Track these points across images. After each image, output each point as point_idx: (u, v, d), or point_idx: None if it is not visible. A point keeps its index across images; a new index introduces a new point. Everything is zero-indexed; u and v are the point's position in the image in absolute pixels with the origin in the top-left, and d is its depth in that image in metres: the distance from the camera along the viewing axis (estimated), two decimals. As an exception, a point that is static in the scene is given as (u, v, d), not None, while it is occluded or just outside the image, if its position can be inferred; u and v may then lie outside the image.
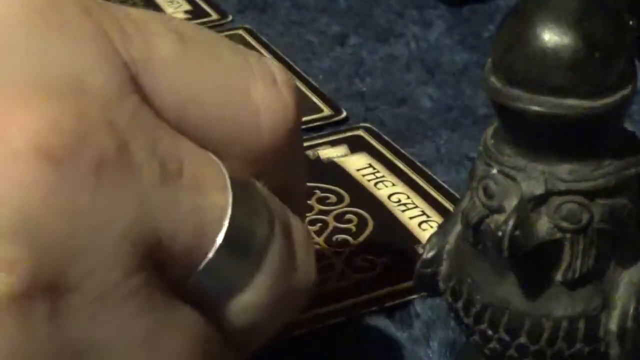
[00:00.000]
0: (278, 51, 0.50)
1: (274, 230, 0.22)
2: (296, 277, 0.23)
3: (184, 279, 0.21)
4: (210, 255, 0.21)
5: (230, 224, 0.21)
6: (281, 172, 0.24)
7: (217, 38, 0.25)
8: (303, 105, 0.44)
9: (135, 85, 0.21)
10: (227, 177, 0.22)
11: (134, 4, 0.57)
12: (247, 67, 0.24)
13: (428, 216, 0.36)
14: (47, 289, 0.19)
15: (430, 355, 0.30)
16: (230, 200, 0.21)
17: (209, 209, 0.21)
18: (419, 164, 0.40)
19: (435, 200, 0.37)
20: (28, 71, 0.20)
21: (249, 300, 0.22)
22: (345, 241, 0.35)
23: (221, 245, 0.21)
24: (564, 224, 0.23)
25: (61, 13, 0.21)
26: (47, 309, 0.19)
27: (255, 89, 0.23)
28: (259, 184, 0.23)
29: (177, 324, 0.21)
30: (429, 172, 0.39)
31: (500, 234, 0.22)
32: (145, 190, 0.20)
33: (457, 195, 0.37)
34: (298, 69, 0.48)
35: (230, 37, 0.52)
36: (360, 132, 0.42)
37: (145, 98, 0.21)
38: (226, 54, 0.24)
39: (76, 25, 0.21)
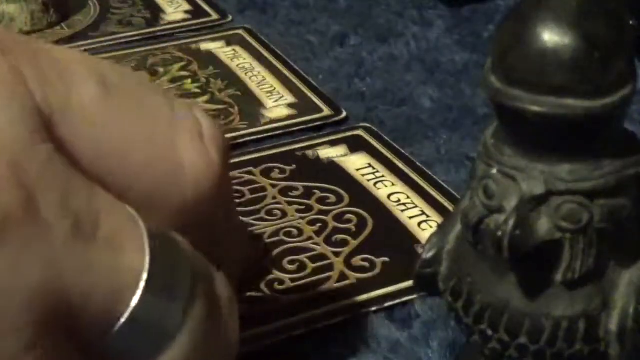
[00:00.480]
0: (278, 51, 0.50)
1: (196, 291, 0.21)
2: (218, 339, 0.22)
3: (96, 341, 0.20)
4: (127, 315, 0.20)
5: (147, 283, 0.20)
6: (206, 227, 0.23)
7: (144, 85, 0.23)
8: (302, 106, 0.44)
9: (48, 132, 0.20)
10: (145, 234, 0.20)
11: (134, 4, 0.57)
12: (173, 119, 0.22)
13: (428, 216, 0.36)
14: None
15: (430, 355, 0.30)
16: (147, 261, 0.20)
17: (126, 268, 0.20)
18: (418, 164, 0.40)
19: (435, 200, 0.37)
20: None
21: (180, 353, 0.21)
22: (345, 241, 0.35)
23: (137, 306, 0.20)
24: (564, 224, 0.23)
25: None
26: None
27: (179, 143, 0.22)
28: (181, 239, 0.22)
29: None
30: (429, 172, 0.39)
31: (500, 234, 0.22)
32: (55, 250, 0.19)
33: (457, 195, 0.37)
34: (298, 69, 0.48)
35: (230, 37, 0.52)
36: (360, 132, 0.42)
37: (60, 147, 0.20)
38: (152, 104, 0.22)
39: None
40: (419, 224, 0.36)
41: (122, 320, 0.20)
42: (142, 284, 0.20)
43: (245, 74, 0.48)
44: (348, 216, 0.36)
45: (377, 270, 0.34)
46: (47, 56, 0.21)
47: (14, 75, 0.20)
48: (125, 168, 0.21)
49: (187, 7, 0.56)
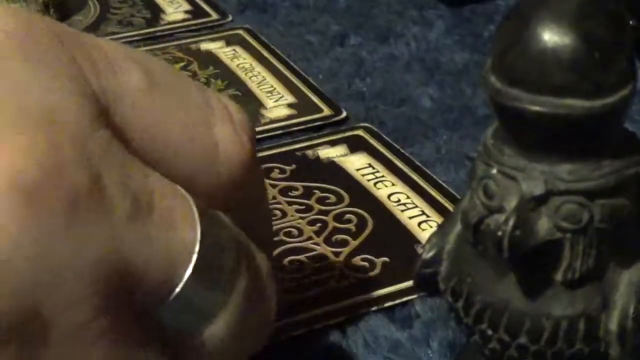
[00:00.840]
0: (278, 51, 0.50)
1: (241, 264, 0.23)
2: (259, 311, 0.24)
3: (152, 310, 0.21)
4: (179, 289, 0.21)
5: (198, 258, 0.21)
6: (241, 207, 0.24)
7: (180, 75, 0.25)
8: (302, 106, 0.44)
9: (106, 118, 0.21)
10: (195, 212, 0.22)
11: (134, 4, 0.57)
12: (208, 105, 0.24)
13: (428, 216, 0.36)
14: (18, 330, 0.19)
15: (430, 355, 0.30)
16: (199, 235, 0.21)
17: (179, 244, 0.21)
18: (418, 163, 0.40)
19: (435, 200, 0.37)
20: (3, 102, 0.20)
21: (215, 332, 0.22)
22: (345, 241, 0.35)
23: (189, 279, 0.21)
24: (564, 224, 0.23)
25: (38, 43, 0.21)
26: (19, 350, 0.19)
27: (214, 126, 0.24)
28: (226, 218, 0.23)
29: None
30: (429, 172, 0.39)
31: (500, 234, 0.22)
32: (117, 226, 0.20)
33: (457, 195, 0.37)
34: (298, 69, 0.48)
35: (230, 37, 0.52)
36: (360, 132, 0.42)
37: (115, 131, 0.21)
38: (188, 92, 0.24)
39: (50, 57, 0.21)
40: (419, 224, 0.36)
41: (176, 291, 0.21)
42: (193, 259, 0.21)
43: (245, 74, 0.48)
44: (348, 216, 0.36)
45: (377, 270, 0.34)
46: (96, 47, 0.22)
47: (73, 65, 0.21)
48: (168, 150, 0.23)
49: (187, 7, 0.56)
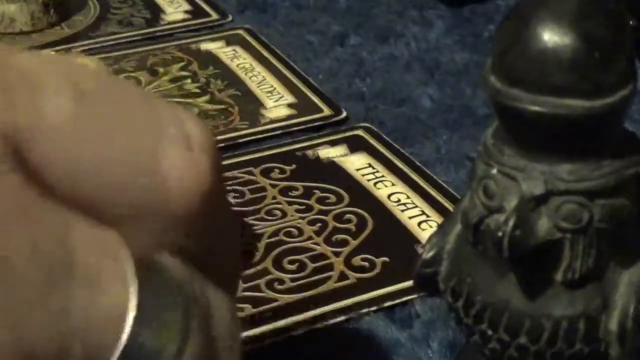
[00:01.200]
0: (278, 51, 0.50)
1: (191, 324, 0.19)
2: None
3: None
4: (115, 358, 0.18)
5: (135, 321, 0.18)
6: (201, 241, 0.21)
7: (127, 91, 0.21)
8: (302, 106, 0.44)
9: (17, 157, 0.18)
10: (130, 264, 0.19)
11: (134, 4, 0.57)
12: (157, 129, 0.20)
13: (428, 216, 0.36)
14: None
15: (430, 355, 0.30)
16: (133, 295, 0.18)
17: (109, 307, 0.18)
18: (418, 164, 0.40)
19: (435, 200, 0.37)
20: None
21: None
22: (345, 241, 0.35)
23: (127, 346, 0.18)
24: (564, 224, 0.23)
25: None
26: None
27: (164, 156, 0.20)
28: (173, 262, 0.20)
29: None
30: (429, 172, 0.39)
31: (500, 234, 0.22)
32: (27, 297, 0.17)
33: (457, 195, 0.37)
34: (298, 69, 0.48)
35: (230, 37, 0.52)
36: (360, 132, 0.42)
37: (32, 173, 0.18)
38: (134, 113, 0.20)
39: None
40: (419, 224, 0.36)
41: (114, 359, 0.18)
42: (129, 320, 0.18)
43: (245, 74, 0.48)
44: (348, 216, 0.36)
45: (377, 270, 0.34)
46: (16, 68, 0.19)
47: None
48: (103, 187, 0.19)
49: (187, 7, 0.56)
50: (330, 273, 0.33)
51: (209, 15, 0.55)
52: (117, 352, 0.18)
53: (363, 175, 0.39)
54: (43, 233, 0.18)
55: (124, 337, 0.18)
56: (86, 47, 0.51)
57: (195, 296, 0.20)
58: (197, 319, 0.20)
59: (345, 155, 0.41)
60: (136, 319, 0.18)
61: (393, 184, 0.38)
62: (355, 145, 0.41)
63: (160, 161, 0.20)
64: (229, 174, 0.39)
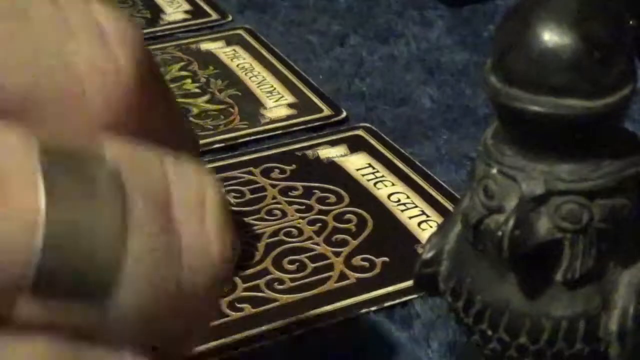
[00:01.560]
0: (278, 51, 0.50)
1: (128, 216, 0.17)
2: (191, 253, 0.18)
3: (14, 306, 0.17)
4: (33, 270, 0.16)
5: (48, 223, 0.16)
6: (139, 131, 0.19)
7: None
8: (302, 106, 0.44)
9: None
10: (37, 164, 0.17)
11: (134, 4, 0.57)
12: (63, 26, 0.19)
13: (428, 216, 0.36)
14: None
15: (430, 355, 0.30)
16: (42, 196, 0.16)
17: (16, 216, 0.16)
18: (418, 163, 0.40)
19: (435, 200, 0.37)
20: None
21: (122, 304, 0.17)
22: (345, 241, 0.35)
23: (43, 257, 0.16)
24: (564, 224, 0.23)
25: None
26: None
27: (74, 51, 0.18)
28: (101, 151, 0.18)
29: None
30: (429, 172, 0.39)
31: (500, 234, 0.22)
32: None
33: (457, 195, 0.37)
34: (298, 69, 0.48)
35: (230, 37, 0.52)
36: (360, 132, 0.42)
37: None
38: (37, 11, 0.18)
39: None
40: (419, 224, 0.36)
41: (30, 272, 0.16)
42: (40, 224, 0.16)
43: (245, 74, 0.48)
44: (348, 216, 0.36)
45: (377, 270, 0.34)
46: None
47: None
48: (8, 89, 0.18)
49: (187, 7, 0.56)
50: (330, 273, 0.33)
51: (209, 15, 0.55)
52: (35, 260, 0.16)
53: (363, 175, 0.39)
54: None
55: (38, 241, 0.16)
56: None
57: (138, 179, 0.18)
58: (141, 195, 0.17)
59: (345, 155, 0.41)
60: (49, 219, 0.16)
61: (393, 184, 0.38)
62: (355, 145, 0.41)
63: (69, 59, 0.18)
64: (229, 174, 0.39)
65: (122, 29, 0.19)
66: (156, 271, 0.18)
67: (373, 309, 0.32)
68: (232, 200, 0.37)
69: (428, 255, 0.26)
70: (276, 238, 0.35)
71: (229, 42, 0.51)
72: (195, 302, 0.18)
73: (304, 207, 0.37)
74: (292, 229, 0.36)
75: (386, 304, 0.32)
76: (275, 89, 0.46)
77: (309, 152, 0.41)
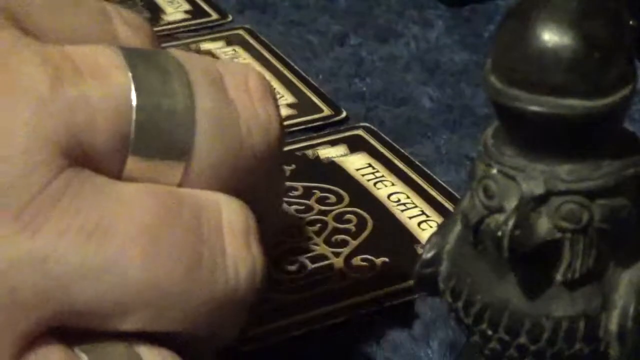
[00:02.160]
0: (278, 51, 0.50)
1: (193, 86, 0.22)
2: (245, 128, 0.23)
3: (121, 167, 0.22)
4: (133, 135, 0.21)
5: (139, 91, 0.21)
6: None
7: None
8: (302, 106, 0.44)
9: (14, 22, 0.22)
10: (119, 52, 0.22)
11: (134, 4, 0.57)
12: (104, 14, 0.25)
13: (428, 216, 0.36)
14: None
15: (430, 355, 0.30)
16: (129, 75, 0.22)
17: (114, 89, 0.21)
18: (418, 163, 0.40)
19: (435, 200, 0.37)
20: None
21: (200, 160, 0.22)
22: (345, 241, 0.35)
23: (139, 121, 0.21)
24: (564, 224, 0.23)
25: None
26: None
27: (115, 27, 0.25)
28: (166, 51, 0.23)
29: (125, 206, 0.21)
30: (429, 172, 0.39)
31: (500, 234, 0.22)
32: (43, 100, 0.20)
33: (457, 195, 0.37)
34: (298, 69, 0.48)
35: (230, 37, 0.52)
36: (360, 132, 0.42)
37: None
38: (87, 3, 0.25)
39: None
40: (419, 224, 0.36)
41: (132, 136, 0.21)
42: (133, 91, 0.21)
43: (245, 74, 0.48)
44: (348, 216, 0.36)
45: (377, 270, 0.34)
46: None
47: None
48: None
49: (187, 7, 0.56)
50: (330, 273, 0.33)
51: (209, 15, 0.55)
52: (133, 122, 0.21)
53: (363, 175, 0.39)
54: (42, 46, 0.21)
55: (134, 104, 0.21)
56: (86, 47, 0.51)
57: (197, 64, 0.23)
58: (204, 78, 0.23)
59: (345, 155, 0.41)
60: (139, 88, 0.22)
61: (393, 184, 0.38)
62: (355, 145, 0.41)
63: (111, 27, 0.25)
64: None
65: (139, 21, 0.27)
66: (222, 131, 0.22)
67: (373, 309, 0.32)
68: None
69: (428, 255, 0.26)
70: (276, 238, 0.35)
71: (229, 42, 0.51)
72: (259, 163, 0.23)
73: (304, 207, 0.37)
74: (292, 229, 0.36)
75: (386, 304, 0.32)
76: (275, 89, 0.46)
77: (309, 152, 0.41)
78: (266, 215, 0.25)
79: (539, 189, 0.23)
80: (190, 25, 0.54)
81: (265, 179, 0.24)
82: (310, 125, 0.43)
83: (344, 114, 0.44)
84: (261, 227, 0.24)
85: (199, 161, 0.22)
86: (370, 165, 0.40)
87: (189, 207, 0.22)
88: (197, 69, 0.23)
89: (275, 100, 0.24)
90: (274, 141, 0.23)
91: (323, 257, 0.34)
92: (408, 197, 0.37)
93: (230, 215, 0.23)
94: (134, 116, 0.21)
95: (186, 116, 0.22)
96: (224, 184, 0.23)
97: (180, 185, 0.22)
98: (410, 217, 0.36)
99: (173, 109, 0.22)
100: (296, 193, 0.38)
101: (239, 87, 0.23)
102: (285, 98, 0.45)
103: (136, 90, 0.21)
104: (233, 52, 0.50)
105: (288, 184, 0.38)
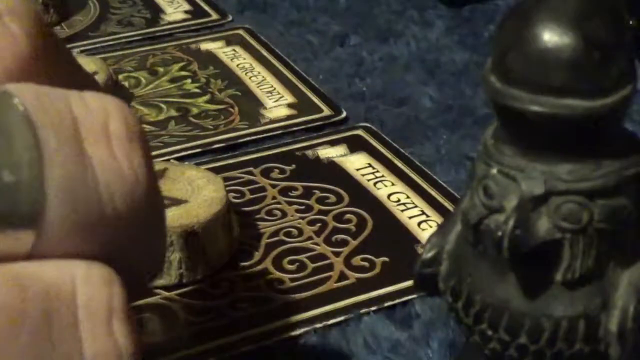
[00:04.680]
0: (278, 51, 0.50)
1: (42, 146, 0.19)
2: (105, 189, 0.20)
3: None
4: None
5: None
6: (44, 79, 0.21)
7: None
8: (302, 106, 0.44)
9: None
10: None
11: (134, 4, 0.57)
12: None
13: (427, 216, 0.36)
14: None
15: (430, 355, 0.30)
16: None
17: None
18: (418, 163, 0.40)
19: (435, 200, 0.37)
20: None
21: (52, 224, 0.19)
22: (345, 241, 0.35)
23: None
24: (564, 224, 0.23)
25: None
26: None
27: None
28: (12, 93, 0.19)
29: None
30: (429, 172, 0.39)
31: (500, 234, 0.22)
32: None
33: (457, 195, 0.37)
34: (298, 69, 0.48)
35: (230, 37, 0.52)
36: (360, 132, 0.42)
37: None
38: None
39: None
40: (419, 224, 0.36)
41: None
42: None
43: (245, 74, 0.48)
44: (348, 216, 0.36)
45: (377, 270, 0.34)
46: None
47: None
48: None
49: (187, 7, 0.56)
50: (330, 273, 0.33)
51: (209, 15, 0.55)
52: None
53: (363, 175, 0.39)
54: None
55: None
56: (86, 47, 0.51)
57: (45, 117, 0.19)
58: (53, 138, 0.19)
59: (345, 155, 0.41)
60: None
61: (393, 184, 0.38)
62: (355, 145, 0.41)
63: None
64: (229, 174, 0.39)
65: (15, 6, 0.21)
66: (76, 199, 0.19)
67: (373, 309, 0.32)
68: (233, 201, 0.37)
69: (428, 255, 0.26)
70: (276, 238, 0.35)
71: (229, 42, 0.51)
72: (123, 219, 0.20)
73: (303, 207, 0.37)
74: (292, 229, 0.36)
75: (386, 304, 0.32)
76: (275, 89, 0.46)
77: (309, 152, 0.41)
78: (147, 264, 0.22)
79: (539, 189, 0.23)
80: (190, 25, 0.54)
81: (138, 232, 0.21)
82: (310, 125, 0.43)
83: (344, 114, 0.44)
84: (145, 278, 0.22)
85: (51, 229, 0.19)
86: (370, 165, 0.40)
87: (36, 300, 0.19)
88: (48, 123, 0.19)
89: (142, 142, 0.21)
90: (141, 197, 0.20)
91: (323, 257, 0.34)
92: (408, 197, 0.37)
93: (89, 293, 0.20)
94: None
95: (33, 187, 0.19)
96: (83, 248, 0.20)
97: (30, 255, 0.19)
98: (410, 217, 0.36)
99: (19, 179, 0.19)
100: (296, 193, 0.38)
101: (98, 137, 0.20)
102: (285, 98, 0.45)
103: None
104: (233, 52, 0.50)
105: (288, 184, 0.38)
